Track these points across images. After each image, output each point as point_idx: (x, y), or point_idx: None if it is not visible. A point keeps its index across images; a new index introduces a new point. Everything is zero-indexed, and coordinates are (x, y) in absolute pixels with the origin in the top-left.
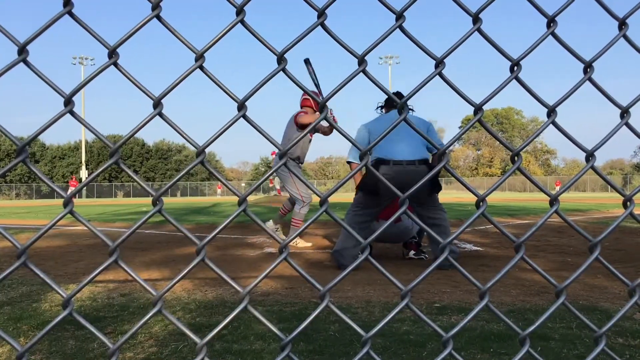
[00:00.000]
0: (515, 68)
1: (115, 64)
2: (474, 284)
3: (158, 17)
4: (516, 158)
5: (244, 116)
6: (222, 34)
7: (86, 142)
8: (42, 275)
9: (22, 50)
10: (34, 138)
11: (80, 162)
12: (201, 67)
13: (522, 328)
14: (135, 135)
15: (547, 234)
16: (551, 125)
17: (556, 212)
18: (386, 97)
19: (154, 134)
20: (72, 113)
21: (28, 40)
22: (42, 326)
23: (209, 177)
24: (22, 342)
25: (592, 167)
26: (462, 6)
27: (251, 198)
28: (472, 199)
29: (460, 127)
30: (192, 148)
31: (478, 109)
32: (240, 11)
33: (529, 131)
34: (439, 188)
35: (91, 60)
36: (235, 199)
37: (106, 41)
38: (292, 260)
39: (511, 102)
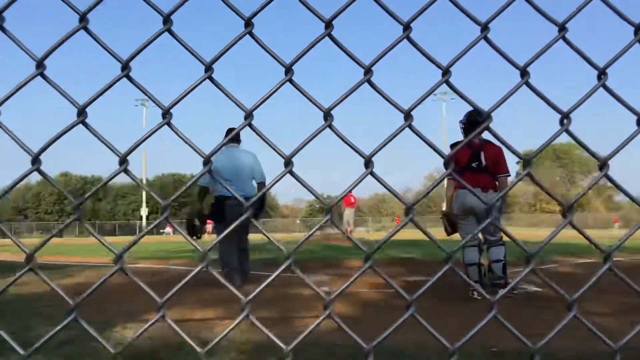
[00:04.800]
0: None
1: (128, 77)
2: (522, 341)
3: (169, 31)
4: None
5: (250, 125)
6: (231, 44)
7: (147, 179)
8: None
9: (40, 65)
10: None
11: (141, 200)
12: (210, 78)
13: None
14: None
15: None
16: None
17: (610, 268)
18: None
19: None
20: (84, 124)
21: (45, 55)
22: None
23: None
24: None
25: None
26: (470, 15)
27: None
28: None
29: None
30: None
31: (487, 116)
32: (248, 23)
33: (590, 166)
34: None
35: None
36: (284, 237)
37: (119, 55)
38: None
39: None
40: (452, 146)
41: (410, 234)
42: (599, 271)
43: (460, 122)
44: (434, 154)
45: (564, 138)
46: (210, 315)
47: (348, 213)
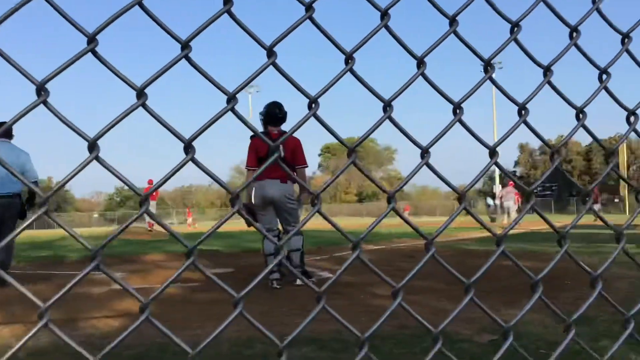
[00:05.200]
0: (421, 65)
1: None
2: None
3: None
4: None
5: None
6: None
7: None
8: None
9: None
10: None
11: None
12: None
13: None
14: None
15: (397, 258)
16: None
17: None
18: None
19: None
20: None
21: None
22: None
23: (57, 208)
24: None
25: (427, 164)
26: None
27: (104, 230)
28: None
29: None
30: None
31: (457, 106)
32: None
33: (383, 158)
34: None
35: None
36: (86, 230)
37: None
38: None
39: (364, 131)
40: (252, 138)
41: (229, 225)
42: (493, 257)
43: (260, 113)
44: (239, 146)
45: (360, 132)
46: None
47: (150, 206)
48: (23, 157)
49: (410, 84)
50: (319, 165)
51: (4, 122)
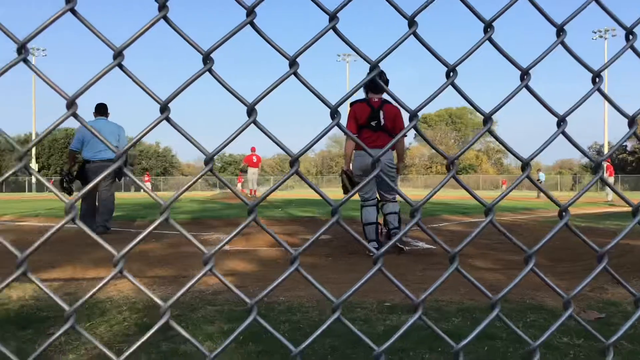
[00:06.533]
0: (525, 77)
1: (120, 66)
2: (408, 295)
3: (165, 18)
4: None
5: (255, 122)
6: (230, 34)
7: (36, 134)
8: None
9: (22, 49)
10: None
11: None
12: (210, 70)
13: (469, 327)
14: None
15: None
16: (491, 129)
17: (491, 222)
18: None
19: None
20: (75, 116)
21: (27, 38)
22: None
23: (163, 172)
24: None
25: (528, 177)
26: (478, 14)
27: (208, 194)
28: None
29: None
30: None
31: (487, 118)
32: (250, 12)
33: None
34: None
35: (43, 51)
36: (186, 195)
37: (111, 42)
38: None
39: (465, 102)
40: (352, 105)
41: (308, 193)
42: (558, 226)
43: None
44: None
45: (459, 103)
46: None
47: (251, 173)
48: (117, 130)
49: (476, 49)
50: (415, 136)
51: (103, 104)
